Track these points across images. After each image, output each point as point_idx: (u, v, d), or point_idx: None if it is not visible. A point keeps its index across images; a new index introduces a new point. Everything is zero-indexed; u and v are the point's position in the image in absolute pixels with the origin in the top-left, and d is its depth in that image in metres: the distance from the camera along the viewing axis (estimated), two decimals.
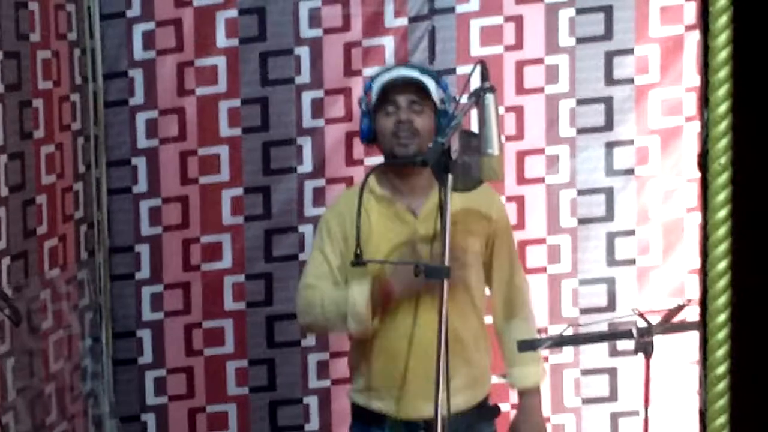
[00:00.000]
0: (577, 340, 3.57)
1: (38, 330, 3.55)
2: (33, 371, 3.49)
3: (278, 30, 3.98)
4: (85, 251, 3.97)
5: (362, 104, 3.03)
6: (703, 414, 1.21)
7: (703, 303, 1.20)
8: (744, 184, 1.19)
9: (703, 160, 1.20)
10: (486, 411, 3.13)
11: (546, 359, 3.99)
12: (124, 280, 4.10)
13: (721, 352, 1.18)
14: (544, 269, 4.00)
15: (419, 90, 2.93)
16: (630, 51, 3.92)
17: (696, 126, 3.74)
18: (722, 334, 1.18)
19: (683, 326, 3.05)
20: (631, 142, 3.96)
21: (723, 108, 1.18)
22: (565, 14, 3.92)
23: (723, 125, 1.17)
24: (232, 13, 3.98)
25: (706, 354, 1.19)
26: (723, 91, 1.17)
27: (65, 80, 3.78)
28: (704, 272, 1.20)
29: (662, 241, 3.97)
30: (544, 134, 3.99)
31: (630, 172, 3.97)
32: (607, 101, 3.95)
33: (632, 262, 3.99)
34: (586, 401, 4.04)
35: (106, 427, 4.05)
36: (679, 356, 3.81)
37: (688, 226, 3.92)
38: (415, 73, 2.96)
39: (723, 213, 1.18)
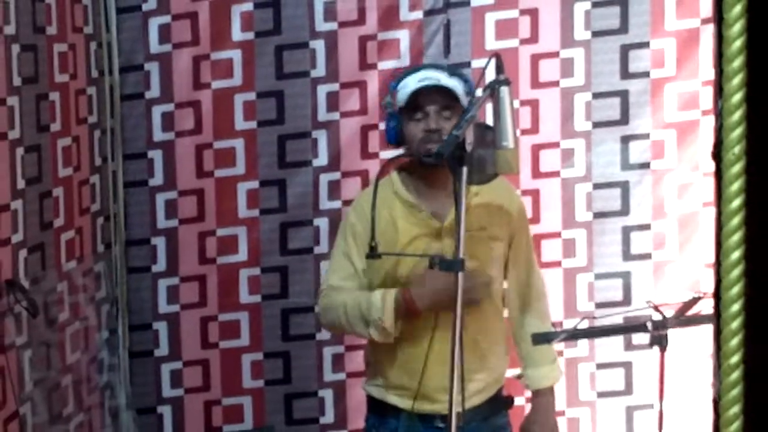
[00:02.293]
0: (592, 333, 3.56)
1: (55, 322, 3.57)
2: (50, 363, 3.51)
3: (293, 23, 3.99)
4: (102, 244, 3.99)
5: (387, 106, 2.99)
6: (716, 403, 1.21)
7: (717, 292, 1.20)
8: (758, 174, 1.18)
9: (717, 150, 1.20)
10: (500, 402, 3.13)
11: (561, 353, 4.00)
12: (140, 273, 4.13)
13: (735, 341, 1.18)
14: (559, 263, 3.99)
15: (448, 95, 2.90)
16: (646, 44, 3.91)
17: (713, 120, 3.72)
18: (736, 324, 1.18)
19: (698, 319, 3.05)
20: (647, 135, 3.95)
21: (737, 98, 1.17)
22: (581, 7, 3.92)
23: (737, 115, 1.17)
24: (248, 6, 3.99)
25: (719, 344, 1.19)
26: (737, 80, 1.17)
27: (82, 73, 3.79)
28: (718, 262, 1.20)
29: (678, 236, 3.96)
30: (560, 128, 3.98)
31: (646, 166, 3.96)
32: (623, 95, 3.94)
33: (648, 256, 3.98)
34: (602, 395, 4.04)
35: (123, 418, 4.07)
36: (693, 350, 3.80)
37: (703, 220, 3.92)
38: (443, 77, 2.91)
39: (737, 203, 1.18)
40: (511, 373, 3.28)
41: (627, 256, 3.99)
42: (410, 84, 2.91)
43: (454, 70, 3.04)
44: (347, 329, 3.01)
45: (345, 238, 3.05)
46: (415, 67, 3.06)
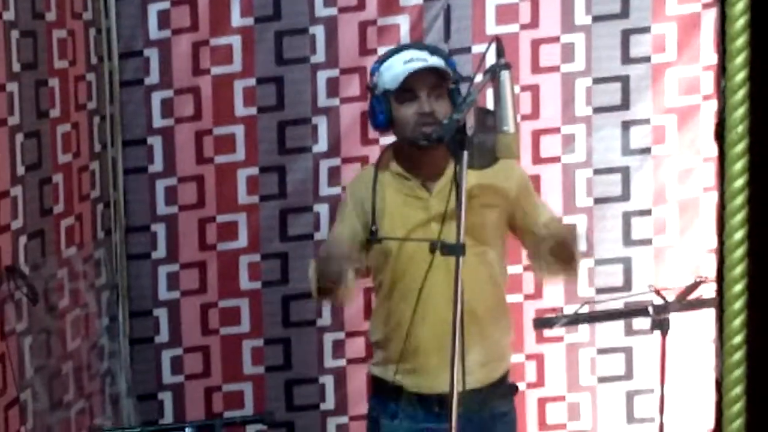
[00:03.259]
0: (593, 318, 3.57)
1: (55, 309, 3.57)
2: (50, 350, 3.51)
3: (293, 9, 3.97)
4: (102, 230, 3.99)
5: (372, 88, 2.98)
6: (719, 384, 1.21)
7: (720, 272, 1.20)
8: (761, 154, 1.18)
9: (720, 130, 1.20)
10: (504, 388, 3.13)
11: (561, 338, 4.00)
12: (140, 260, 4.12)
13: (738, 321, 1.17)
14: None
15: (437, 75, 2.89)
16: (647, 29, 3.89)
17: (713, 105, 3.72)
18: (739, 304, 1.17)
19: (699, 303, 3.05)
20: (648, 121, 3.94)
21: (740, 77, 1.17)
22: None
23: (740, 94, 1.17)
24: None
25: (722, 323, 1.18)
26: (740, 59, 1.16)
27: (81, 59, 3.78)
28: (721, 241, 1.20)
29: (679, 221, 3.96)
30: (560, 113, 3.97)
31: (647, 151, 3.95)
32: (624, 80, 3.93)
33: (649, 241, 3.98)
34: (602, 380, 4.04)
35: (123, 405, 4.07)
36: (695, 335, 3.80)
37: (704, 206, 3.91)
38: (427, 56, 2.91)
39: (740, 183, 1.17)
40: (514, 359, 3.27)
41: (628, 241, 3.98)
42: (396, 65, 2.90)
43: (435, 48, 3.04)
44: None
45: (341, 211, 3.09)
46: (395, 48, 3.04)
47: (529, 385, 4.04)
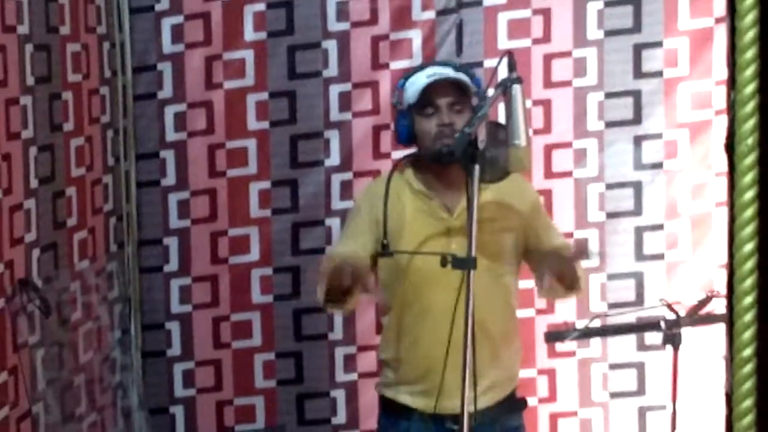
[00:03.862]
0: (605, 331, 3.56)
1: (68, 321, 3.58)
2: (62, 362, 3.52)
3: (306, 23, 3.99)
4: (115, 243, 4.00)
5: (396, 104, 2.99)
6: (729, 397, 1.20)
7: (730, 285, 1.19)
8: None
9: (730, 142, 1.20)
10: (513, 404, 3.12)
11: (573, 353, 3.99)
12: (152, 273, 4.13)
13: (748, 334, 1.17)
14: None
15: (458, 89, 2.89)
16: (659, 44, 3.90)
17: (725, 119, 3.72)
18: (749, 316, 1.17)
19: (711, 318, 3.04)
20: (660, 135, 3.94)
21: (750, 89, 1.17)
22: (594, 7, 3.91)
23: (750, 106, 1.17)
24: (260, 6, 4.00)
25: (732, 336, 1.18)
26: (750, 72, 1.17)
27: (95, 73, 3.80)
28: (731, 254, 1.20)
29: (691, 236, 3.95)
30: (572, 128, 3.97)
31: (659, 165, 3.95)
32: (636, 94, 3.93)
33: (661, 256, 3.97)
34: (614, 395, 4.03)
35: (135, 418, 4.07)
36: (707, 351, 3.78)
37: (717, 221, 3.90)
38: (450, 71, 2.92)
39: (750, 195, 1.17)
40: (525, 374, 3.26)
41: (640, 256, 3.97)
42: (419, 80, 2.90)
43: (459, 66, 3.04)
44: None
45: (352, 219, 3.06)
46: (421, 65, 3.06)
47: (541, 401, 4.03)
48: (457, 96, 2.88)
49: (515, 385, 3.12)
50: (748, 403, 1.18)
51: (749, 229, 1.18)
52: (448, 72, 2.91)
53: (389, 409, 3.11)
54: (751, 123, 1.17)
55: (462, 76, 2.90)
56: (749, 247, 1.18)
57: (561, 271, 2.90)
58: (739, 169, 1.18)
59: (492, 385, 2.96)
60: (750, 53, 1.16)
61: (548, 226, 3.15)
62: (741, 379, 1.18)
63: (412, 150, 2.99)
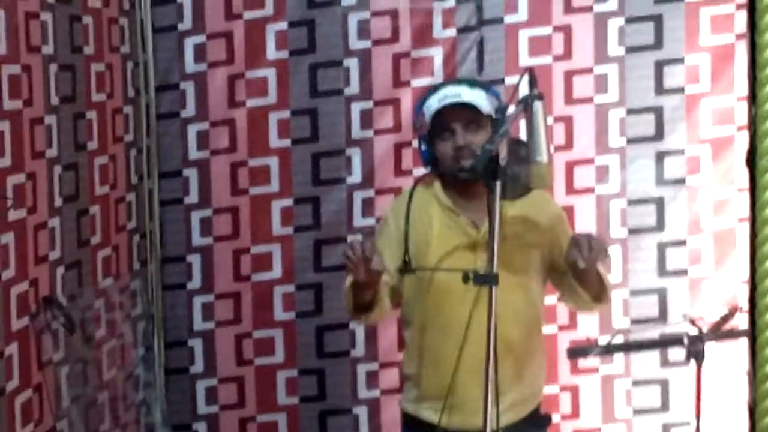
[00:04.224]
0: (628, 347, 3.55)
1: (92, 339, 3.59)
2: (87, 379, 3.53)
3: (327, 42, 4.01)
4: (138, 261, 4.02)
5: (417, 127, 3.00)
6: (752, 410, 1.20)
7: (752, 301, 1.19)
8: None
9: (751, 157, 1.20)
10: (537, 420, 3.10)
11: (596, 370, 3.98)
12: (175, 290, 4.15)
13: None
14: None
15: (471, 109, 2.88)
16: (680, 60, 3.90)
17: (747, 135, 3.71)
18: None
19: (734, 333, 3.02)
20: (682, 151, 3.93)
21: None
22: (615, 23, 3.91)
23: None
24: (282, 25, 4.02)
25: (755, 351, 1.18)
26: None
27: (118, 92, 3.83)
28: (753, 269, 1.20)
29: (714, 252, 3.94)
30: (594, 144, 3.97)
31: (681, 181, 3.94)
32: (658, 111, 3.93)
33: (684, 272, 3.96)
34: (638, 412, 4.01)
35: None
36: (731, 368, 3.77)
37: (739, 236, 3.89)
38: (465, 90, 2.91)
39: None
40: (548, 390, 3.25)
41: (662, 272, 3.96)
42: (432, 104, 2.91)
43: (475, 81, 3.03)
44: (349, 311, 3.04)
45: (380, 232, 3.07)
46: (435, 86, 3.03)
47: (564, 417, 4.02)
48: (470, 116, 2.88)
49: (539, 400, 3.11)
50: None
51: None
52: (460, 92, 2.90)
53: (412, 425, 3.11)
54: None
55: (475, 94, 2.89)
56: None
57: (588, 276, 2.87)
58: (761, 184, 1.18)
59: (515, 401, 2.95)
60: None
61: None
62: (764, 393, 1.17)
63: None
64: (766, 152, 1.17)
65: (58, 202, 3.31)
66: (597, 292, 2.95)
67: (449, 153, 2.89)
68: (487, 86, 2.98)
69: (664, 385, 3.99)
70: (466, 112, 2.88)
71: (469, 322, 2.80)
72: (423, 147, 2.96)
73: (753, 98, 1.19)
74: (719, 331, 2.99)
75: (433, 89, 2.99)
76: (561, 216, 3.13)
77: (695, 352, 2.96)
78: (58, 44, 3.30)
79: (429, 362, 2.99)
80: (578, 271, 2.84)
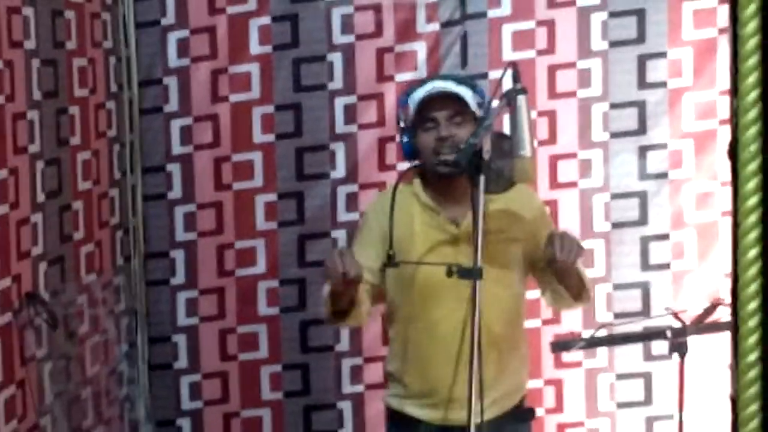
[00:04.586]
0: (611, 340, 3.56)
1: (75, 335, 3.59)
2: (70, 375, 3.53)
3: (311, 36, 4.01)
4: (121, 257, 4.01)
5: (400, 119, 2.98)
6: (734, 402, 1.21)
7: (734, 291, 1.20)
8: None
9: (733, 148, 1.20)
10: (521, 414, 3.11)
11: (580, 364, 3.99)
12: (159, 286, 4.14)
13: (753, 339, 1.17)
14: None
15: (457, 102, 2.88)
16: (663, 54, 3.91)
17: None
18: (753, 321, 1.17)
19: (717, 326, 3.04)
20: (665, 145, 3.94)
21: (752, 96, 1.18)
22: (598, 18, 3.92)
23: (753, 113, 1.17)
24: (265, 20, 4.01)
25: (737, 342, 1.19)
26: (752, 79, 1.17)
27: (101, 88, 3.82)
28: (735, 260, 1.20)
29: (697, 245, 3.95)
30: (577, 138, 3.98)
31: (664, 175, 3.95)
32: (640, 105, 3.94)
33: (667, 266, 3.97)
34: (621, 405, 4.03)
35: (142, 431, 4.08)
36: (714, 360, 3.78)
37: (722, 230, 3.90)
38: (450, 85, 2.91)
39: (753, 200, 1.18)
40: (532, 384, 3.26)
41: (646, 266, 3.98)
42: (419, 95, 2.90)
43: (462, 78, 3.03)
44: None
45: (359, 234, 3.06)
46: (422, 80, 3.04)
47: (548, 411, 4.03)
48: (456, 109, 2.87)
49: (523, 394, 3.12)
50: (754, 407, 1.18)
51: (753, 235, 1.19)
52: (446, 84, 2.91)
53: (396, 420, 3.11)
54: (753, 130, 1.18)
55: (460, 89, 2.89)
56: (753, 252, 1.18)
57: (567, 275, 2.89)
58: (743, 175, 1.18)
59: (500, 396, 2.95)
60: (752, 61, 1.17)
61: None
62: (746, 384, 1.18)
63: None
64: (748, 143, 1.18)
65: (40, 197, 3.30)
66: (578, 290, 2.96)
67: (431, 144, 2.88)
68: (474, 84, 2.98)
69: (648, 378, 4.00)
70: (451, 104, 2.87)
71: (451, 318, 2.82)
72: (405, 138, 2.95)
73: (735, 90, 1.20)
74: (701, 324, 3.01)
75: (420, 83, 2.99)
76: (543, 211, 3.13)
77: (678, 346, 2.98)
78: (41, 39, 3.29)
79: (413, 358, 2.99)
80: (558, 270, 2.85)
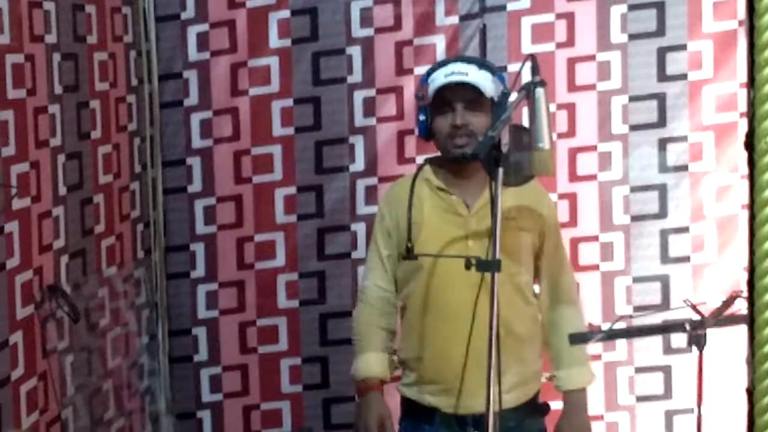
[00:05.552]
0: (629, 333, 3.54)
1: (96, 327, 3.61)
2: (91, 368, 3.55)
3: (330, 30, 4.01)
4: (142, 250, 4.03)
5: (419, 96, 3.01)
6: (750, 393, 1.21)
7: (751, 282, 1.20)
8: None
9: (750, 140, 1.20)
10: (536, 408, 3.12)
11: (599, 356, 3.99)
12: (179, 279, 4.16)
13: None
14: (596, 267, 3.98)
15: (474, 91, 2.90)
16: (683, 47, 3.89)
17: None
18: None
19: (736, 319, 3.02)
20: (685, 138, 3.93)
21: None
22: (617, 10, 3.91)
23: None
24: (285, 13, 4.02)
25: (753, 333, 1.19)
26: None
27: (121, 82, 3.84)
28: (751, 252, 1.20)
29: (717, 238, 3.94)
30: (597, 131, 3.97)
31: (683, 168, 3.94)
32: (660, 97, 3.93)
33: (686, 259, 3.96)
34: (641, 399, 4.02)
35: (163, 423, 4.10)
36: (733, 354, 3.77)
37: (742, 223, 3.89)
38: (472, 70, 2.91)
39: None
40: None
41: (665, 259, 3.97)
42: (438, 78, 2.92)
43: (483, 62, 3.04)
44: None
45: (375, 227, 3.12)
46: (445, 60, 3.06)
47: None
48: (472, 97, 2.89)
49: (538, 388, 3.13)
50: None
51: None
52: (468, 70, 2.91)
53: (410, 409, 3.13)
54: None
55: (481, 75, 2.90)
56: None
57: None
58: (759, 166, 1.18)
59: (516, 382, 2.97)
60: None
61: (558, 251, 3.15)
62: (762, 375, 1.18)
63: (434, 153, 3.03)
64: (765, 135, 1.17)
65: (62, 190, 3.32)
66: None
67: (446, 129, 2.91)
68: (495, 69, 2.99)
69: (667, 371, 3.99)
70: (469, 91, 2.89)
71: (465, 306, 2.83)
72: (422, 117, 2.97)
73: (751, 81, 1.20)
74: (720, 317, 2.99)
75: (442, 63, 3.00)
76: (554, 212, 3.16)
77: (696, 338, 2.96)
78: (61, 33, 3.31)
79: (427, 346, 3.01)
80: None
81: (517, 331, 2.97)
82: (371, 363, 3.07)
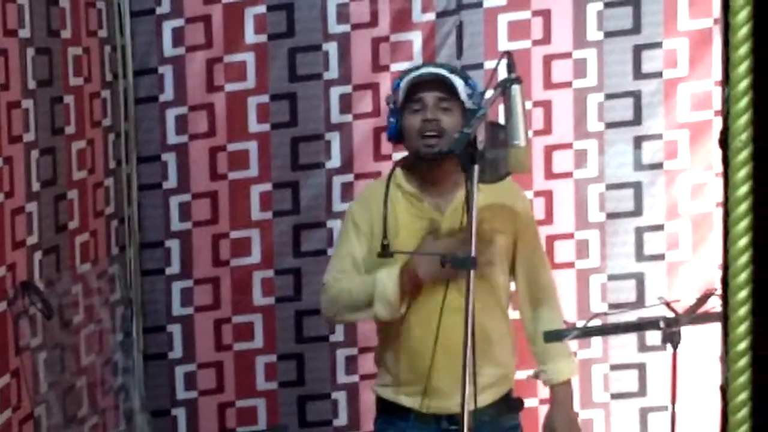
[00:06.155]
0: (604, 330, 3.56)
1: (70, 324, 3.59)
2: (64, 365, 3.53)
3: (306, 26, 4.00)
4: (116, 246, 4.01)
5: (390, 102, 3.02)
6: (724, 390, 1.21)
7: (725, 280, 1.20)
8: (765, 161, 1.19)
9: (724, 137, 1.21)
10: (510, 404, 3.13)
11: (575, 354, 3.99)
12: (154, 275, 4.14)
13: (743, 328, 1.18)
14: (572, 264, 3.99)
15: (447, 88, 2.91)
16: (659, 45, 3.90)
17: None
18: (744, 310, 1.18)
19: (711, 316, 3.03)
20: (660, 136, 3.94)
21: (743, 85, 1.18)
22: (593, 8, 3.91)
23: (744, 102, 1.17)
24: (261, 9, 4.01)
25: (727, 330, 1.19)
26: (743, 67, 1.17)
27: (96, 77, 3.82)
28: (726, 249, 1.20)
29: (692, 236, 3.95)
30: (572, 129, 3.98)
31: (659, 166, 3.95)
32: (636, 95, 3.94)
33: (661, 257, 3.97)
34: (615, 396, 4.03)
35: (137, 421, 4.08)
36: (707, 350, 3.79)
37: (717, 221, 3.90)
38: (442, 71, 2.95)
39: (744, 189, 1.18)
40: (522, 374, 3.28)
41: (640, 256, 3.98)
42: (409, 78, 2.95)
43: (455, 68, 3.07)
44: (351, 314, 3.05)
45: (346, 229, 3.09)
46: (417, 66, 3.09)
47: (542, 402, 4.02)
48: (444, 93, 2.90)
49: (511, 385, 3.14)
50: (743, 396, 1.18)
51: (744, 224, 1.19)
52: (439, 70, 2.94)
53: (386, 409, 3.13)
54: (744, 119, 1.18)
55: (452, 76, 2.91)
56: (744, 241, 1.19)
57: None
58: (734, 164, 1.19)
59: (489, 383, 2.97)
60: (743, 49, 1.17)
61: (535, 248, 3.17)
62: (736, 372, 1.18)
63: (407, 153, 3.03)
64: (739, 132, 1.18)
65: (35, 186, 3.29)
66: None
67: (416, 125, 2.91)
68: (466, 76, 3.00)
69: (642, 369, 4.01)
70: (440, 88, 2.91)
71: (439, 306, 2.83)
72: (392, 119, 2.97)
73: (726, 79, 1.20)
74: (694, 315, 3.01)
75: (414, 68, 3.04)
76: (529, 210, 3.17)
77: (671, 336, 2.98)
78: (35, 28, 3.29)
79: (400, 347, 3.01)
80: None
81: (490, 334, 2.98)
82: (390, 270, 2.92)
